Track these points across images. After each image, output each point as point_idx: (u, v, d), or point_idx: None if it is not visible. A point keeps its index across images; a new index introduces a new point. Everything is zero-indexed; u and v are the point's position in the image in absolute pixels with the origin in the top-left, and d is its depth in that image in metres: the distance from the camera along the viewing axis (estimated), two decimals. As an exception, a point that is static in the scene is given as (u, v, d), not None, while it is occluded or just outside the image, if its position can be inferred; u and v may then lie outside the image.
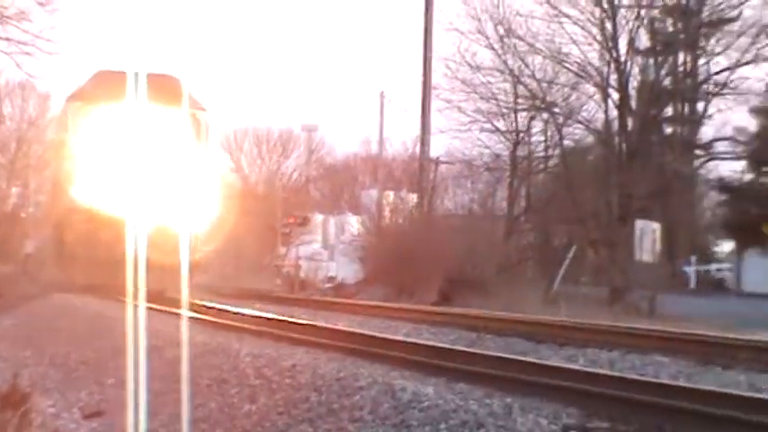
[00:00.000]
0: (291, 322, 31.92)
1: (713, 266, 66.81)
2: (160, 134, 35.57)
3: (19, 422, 21.49)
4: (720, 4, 69.48)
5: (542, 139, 70.89)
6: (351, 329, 30.48)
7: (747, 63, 69.29)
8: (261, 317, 34.30)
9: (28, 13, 44.17)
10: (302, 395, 20.60)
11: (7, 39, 44.17)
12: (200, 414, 19.95)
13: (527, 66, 66.78)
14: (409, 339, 27.97)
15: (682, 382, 21.17)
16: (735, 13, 69.07)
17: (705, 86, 70.96)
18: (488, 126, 69.14)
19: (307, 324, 31.12)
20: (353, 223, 69.88)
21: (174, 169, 35.29)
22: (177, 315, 27.43)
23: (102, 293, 33.92)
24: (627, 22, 66.51)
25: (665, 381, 21.55)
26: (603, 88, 66.43)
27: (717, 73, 70.70)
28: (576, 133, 68.80)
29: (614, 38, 66.16)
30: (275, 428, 19.33)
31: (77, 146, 38.41)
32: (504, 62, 66.46)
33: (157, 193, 32.14)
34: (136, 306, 20.07)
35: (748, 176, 70.75)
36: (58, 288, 40.85)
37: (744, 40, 68.65)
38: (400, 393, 18.26)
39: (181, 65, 37.93)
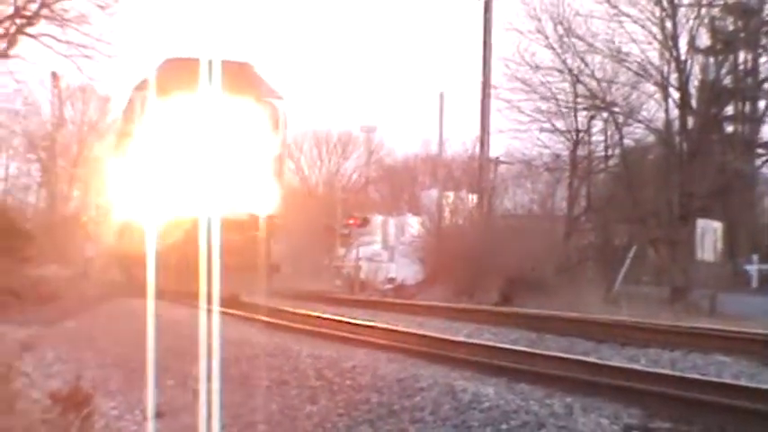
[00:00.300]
0: (352, 323, 31.54)
1: None
2: (236, 127, 35.35)
3: (81, 424, 21.33)
4: None
5: (602, 138, 70.38)
6: (411, 330, 30.06)
7: None
8: (321, 317, 33.49)
9: (88, 17, 43.22)
10: (363, 396, 20.37)
11: (68, 42, 43.14)
12: (262, 416, 19.47)
13: (587, 65, 66.81)
14: (470, 340, 27.89)
15: (744, 382, 21.29)
16: None
17: (766, 85, 70.33)
18: (548, 126, 69.06)
19: (367, 325, 30.81)
20: (413, 224, 70.16)
21: (251, 166, 34.93)
22: (252, 320, 27.43)
23: (173, 298, 32.78)
24: (687, 21, 66.23)
25: (728, 380, 21.63)
26: (664, 87, 66.30)
27: None
28: (636, 133, 68.39)
29: (674, 37, 65.91)
30: (336, 429, 19.02)
31: (145, 140, 36.24)
32: (564, 62, 66.61)
33: (233, 192, 33.34)
34: (209, 311, 20.44)
35: None
36: (121, 293, 39.07)
37: None
38: (461, 394, 18.28)
39: (252, 52, 41.92)
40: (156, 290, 29.05)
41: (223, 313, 25.01)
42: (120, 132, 43.82)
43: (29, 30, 42.51)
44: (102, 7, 43.59)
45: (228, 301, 26.46)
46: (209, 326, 19.07)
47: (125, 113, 44.24)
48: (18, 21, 41.20)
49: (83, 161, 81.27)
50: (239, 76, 34.46)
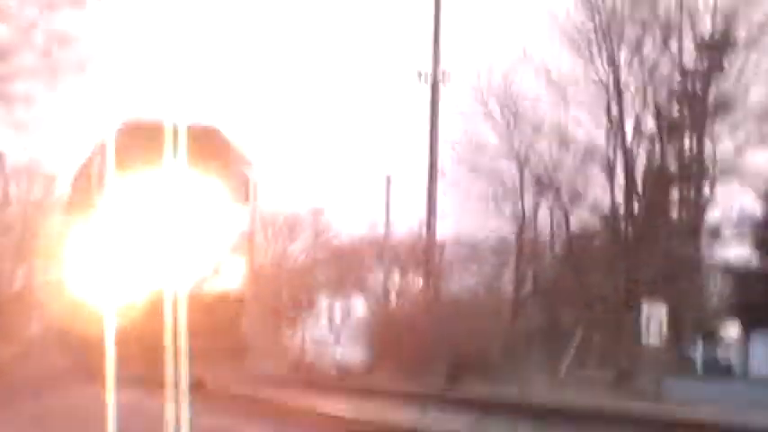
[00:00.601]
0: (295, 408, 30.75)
1: (719, 351, 65.57)
2: (202, 198, 32.92)
3: None
4: (726, 88, 70.23)
5: (548, 222, 70.73)
6: (353, 416, 29.52)
7: (753, 147, 69.90)
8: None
9: (34, 97, 41.20)
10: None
11: (14, 122, 41.55)
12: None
13: (533, 149, 67.89)
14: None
15: None
16: (740, 97, 69.97)
17: (711, 171, 70.65)
18: (494, 209, 69.64)
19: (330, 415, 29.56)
20: (359, 306, 70.67)
21: (219, 241, 33.29)
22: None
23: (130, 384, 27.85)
24: (633, 107, 67.83)
25: None
26: (610, 171, 67.44)
27: (723, 157, 70.61)
28: (582, 216, 69.30)
29: (620, 122, 67.18)
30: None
31: (102, 210, 32.92)
32: (511, 145, 67.49)
33: (199, 269, 31.28)
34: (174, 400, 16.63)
35: (754, 261, 71.03)
36: (67, 375, 37.97)
37: (749, 124, 70.05)
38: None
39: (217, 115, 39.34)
40: (114, 375, 31.81)
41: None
42: (73, 202, 42.09)
43: None
44: (49, 88, 41.37)
45: (194, 388, 20.18)
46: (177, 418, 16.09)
47: (78, 181, 42.28)
48: None
49: (28, 239, 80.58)
50: (205, 141, 33.21)
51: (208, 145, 32.58)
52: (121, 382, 30.15)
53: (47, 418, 30.55)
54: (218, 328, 29.96)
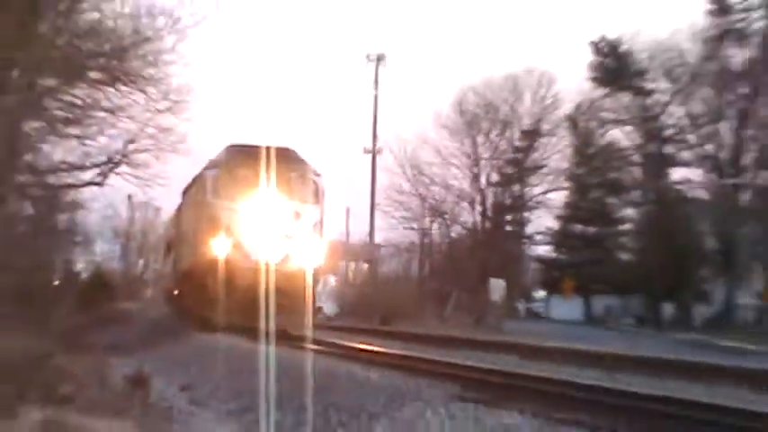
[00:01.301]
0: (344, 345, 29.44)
1: (533, 305, 74.39)
2: (290, 198, 32.25)
3: (142, 392, 19.86)
4: (536, 157, 76.82)
5: (439, 233, 77.85)
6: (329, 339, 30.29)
7: (553, 190, 76.85)
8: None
9: (150, 162, 37.61)
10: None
11: (137, 177, 37.74)
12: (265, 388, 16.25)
13: (429, 191, 74.79)
14: (362, 346, 29.02)
15: (511, 369, 22.88)
16: (545, 161, 76.49)
17: (528, 203, 78.28)
18: (408, 226, 76.43)
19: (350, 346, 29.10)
20: (333, 281, 71.62)
21: (301, 229, 31.92)
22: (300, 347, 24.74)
23: (235, 332, 29.20)
24: (486, 168, 75.55)
25: (497, 367, 23.22)
26: (472, 204, 75.45)
27: (535, 196, 78.09)
28: (457, 230, 76.90)
29: (478, 176, 75.23)
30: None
31: (216, 208, 32.25)
32: (416, 189, 74.33)
33: (285, 247, 31.08)
34: (267, 341, 19.20)
35: (553, 254, 77.55)
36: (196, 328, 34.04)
37: (550, 178, 76.66)
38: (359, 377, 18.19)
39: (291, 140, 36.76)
40: (222, 325, 30.42)
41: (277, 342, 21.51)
42: (193, 204, 37.39)
43: (115, 170, 36.75)
44: (157, 158, 37.86)
45: (280, 334, 23.38)
46: (267, 350, 18.44)
47: (189, 190, 38.92)
48: (109, 165, 36.26)
49: (144, 243, 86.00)
50: (289, 158, 32.56)
51: (288, 161, 32.38)
52: (228, 329, 27.53)
53: (173, 351, 30.85)
54: (298, 292, 27.84)
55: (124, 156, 33.44)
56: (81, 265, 66.63)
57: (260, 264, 27.85)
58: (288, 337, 26.53)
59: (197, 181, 36.65)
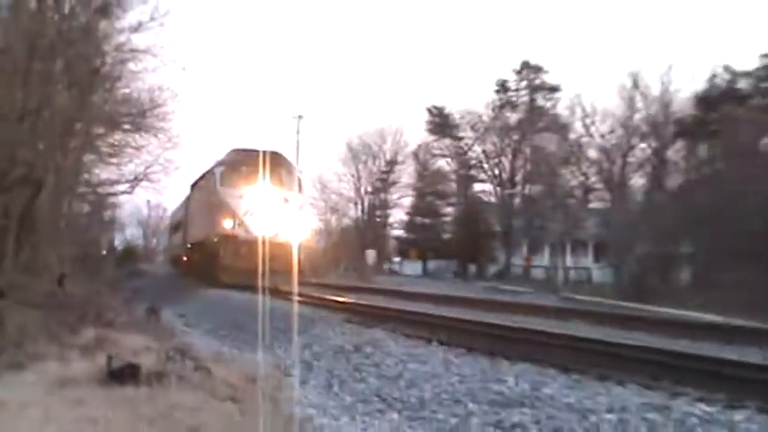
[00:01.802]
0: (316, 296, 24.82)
1: (392, 265, 70.73)
2: (282, 187, 29.39)
3: (155, 318, 19.19)
4: (394, 175, 74.01)
5: (335, 223, 70.92)
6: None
7: (404, 197, 74.42)
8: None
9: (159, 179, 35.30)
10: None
11: (153, 188, 35.75)
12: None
13: (330, 198, 70.68)
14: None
15: (378, 303, 22.93)
16: (399, 179, 74.80)
17: (390, 205, 75.35)
18: (318, 218, 67.58)
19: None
20: None
21: (290, 211, 28.82)
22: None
23: (232, 287, 26.44)
24: (364, 183, 72.51)
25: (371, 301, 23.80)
26: (356, 205, 72.53)
27: (393, 200, 75.23)
28: (346, 222, 72.25)
29: (359, 188, 72.14)
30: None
31: (224, 195, 29.65)
32: (324, 201, 69.57)
33: (278, 224, 27.64)
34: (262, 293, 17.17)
35: (404, 235, 74.59)
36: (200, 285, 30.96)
37: (402, 189, 74.38)
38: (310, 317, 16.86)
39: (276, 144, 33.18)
40: (226, 282, 27.81)
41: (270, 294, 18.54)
42: (205, 193, 33.75)
43: (139, 185, 35.25)
44: (164, 177, 35.38)
45: (272, 290, 20.79)
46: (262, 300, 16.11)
47: (206, 182, 33.92)
48: (135, 182, 34.77)
49: (157, 229, 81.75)
50: (278, 158, 29.85)
51: (278, 160, 29.80)
52: (228, 285, 24.21)
53: (175, 295, 29.21)
54: (287, 259, 24.50)
55: (144, 176, 33.64)
56: (118, 242, 66.76)
57: (258, 237, 26.28)
58: (267, 290, 21.87)
59: (206, 175, 33.83)
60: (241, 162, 29.87)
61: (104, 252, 50.49)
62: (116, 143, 31.40)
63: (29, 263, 18.71)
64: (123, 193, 37.03)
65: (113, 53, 24.45)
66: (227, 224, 29.17)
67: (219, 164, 31.50)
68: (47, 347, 10.66)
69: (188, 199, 41.56)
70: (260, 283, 18.77)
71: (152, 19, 23.31)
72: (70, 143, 23.61)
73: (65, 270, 21.27)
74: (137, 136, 31.10)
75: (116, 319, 15.92)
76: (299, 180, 31.23)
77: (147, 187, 35.98)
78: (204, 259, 32.49)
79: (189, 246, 39.00)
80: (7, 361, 9.74)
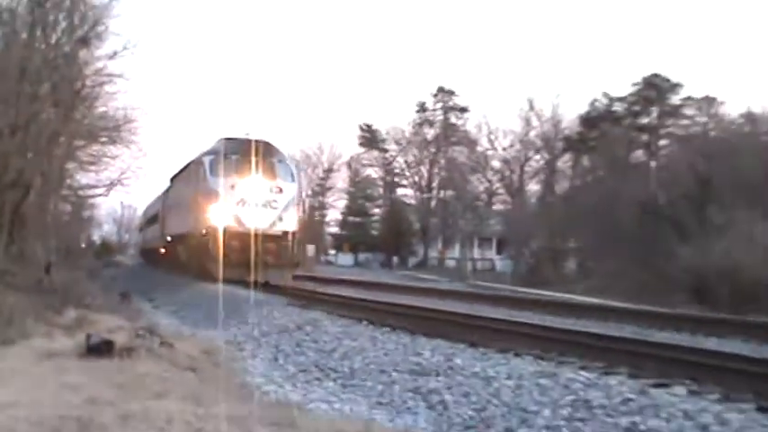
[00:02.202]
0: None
1: (329, 257, 68.83)
2: (276, 177, 23.90)
3: (127, 301, 18.88)
4: (331, 181, 72.54)
5: None
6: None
7: (339, 199, 73.20)
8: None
9: (131, 184, 35.40)
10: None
11: (125, 192, 36.50)
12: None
13: None
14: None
15: (315, 288, 22.30)
16: (335, 185, 72.63)
17: (327, 206, 73.74)
18: None
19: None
20: None
21: (282, 199, 23.57)
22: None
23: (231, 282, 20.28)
24: (306, 188, 66.32)
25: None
26: (298, 206, 72.91)
27: (329, 202, 74.13)
28: None
29: (301, 192, 73.78)
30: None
31: (214, 184, 23.69)
32: None
33: (272, 215, 23.02)
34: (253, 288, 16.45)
35: (339, 231, 73.01)
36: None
37: (338, 193, 72.95)
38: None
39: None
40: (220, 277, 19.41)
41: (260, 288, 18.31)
42: (192, 183, 27.05)
43: (113, 188, 32.70)
44: (135, 182, 36.54)
45: (264, 284, 19.56)
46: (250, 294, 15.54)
47: (194, 172, 27.02)
48: (110, 186, 32.20)
49: (129, 226, 78.16)
50: (271, 148, 24.70)
51: (271, 150, 24.69)
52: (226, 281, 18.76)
53: (144, 283, 28.26)
54: (282, 252, 22.63)
55: (118, 181, 32.37)
56: (95, 237, 65.91)
57: (251, 229, 21.37)
58: (260, 285, 19.50)
59: (192, 165, 27.84)
60: (231, 151, 24.25)
61: (84, 245, 49.64)
62: (94, 153, 30.85)
63: (19, 254, 18.57)
64: (100, 195, 36.22)
65: (92, 77, 24.64)
66: (217, 215, 23.15)
67: (208, 153, 25.55)
68: (34, 326, 10.76)
69: (167, 192, 36.20)
70: (253, 278, 18.37)
71: (125, 48, 23.54)
72: (55, 153, 23.33)
73: (50, 260, 21.01)
74: (112, 147, 30.42)
75: (94, 302, 15.79)
76: (293, 170, 26.06)
77: (121, 190, 34.97)
78: (189, 252, 26.81)
79: (168, 238, 33.01)
80: (0, 337, 9.84)
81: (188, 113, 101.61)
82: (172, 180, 34.81)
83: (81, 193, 36.00)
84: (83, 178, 33.45)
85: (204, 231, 23.61)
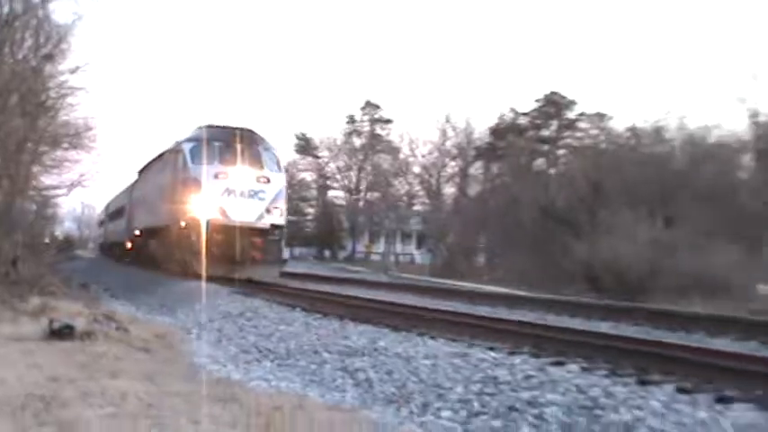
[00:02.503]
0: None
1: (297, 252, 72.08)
2: (260, 166, 19.77)
3: (87, 291, 18.51)
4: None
5: None
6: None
7: None
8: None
9: (90, 185, 35.36)
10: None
11: (84, 192, 38.17)
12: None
13: None
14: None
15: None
16: None
17: None
18: None
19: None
20: None
21: (270, 190, 19.63)
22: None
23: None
24: None
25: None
26: None
27: None
28: None
29: None
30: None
31: (196, 173, 19.67)
32: None
33: (257, 207, 19.25)
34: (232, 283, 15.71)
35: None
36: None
37: None
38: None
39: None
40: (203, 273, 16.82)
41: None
42: (172, 171, 21.92)
43: (74, 189, 31.42)
44: (93, 183, 37.61)
45: (245, 281, 17.72)
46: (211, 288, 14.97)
47: (173, 160, 22.03)
48: (72, 187, 30.84)
49: (88, 223, 77.11)
50: (255, 135, 20.74)
51: (255, 137, 20.66)
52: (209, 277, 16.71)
53: (103, 274, 27.17)
54: (268, 247, 19.39)
55: (79, 182, 31.50)
56: (58, 233, 64.96)
57: (236, 221, 18.42)
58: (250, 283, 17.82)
59: (167, 155, 23.31)
60: (214, 137, 20.06)
61: (47, 240, 48.87)
62: (57, 158, 30.40)
63: None
64: (62, 195, 35.57)
65: (56, 89, 24.53)
66: (200, 206, 18.97)
67: (188, 140, 21.00)
68: (2, 312, 10.71)
69: (134, 185, 32.16)
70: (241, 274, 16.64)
71: (86, 64, 23.41)
72: (22, 158, 23.09)
73: (17, 254, 20.75)
74: (73, 152, 30.04)
75: (56, 291, 15.68)
76: (279, 159, 21.63)
77: (81, 191, 34.58)
78: (165, 246, 22.16)
79: (137, 232, 28.77)
80: None
81: (140, 121, 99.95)
82: (140, 173, 30.96)
83: (45, 193, 35.20)
84: (46, 180, 32.93)
85: (184, 224, 19.48)
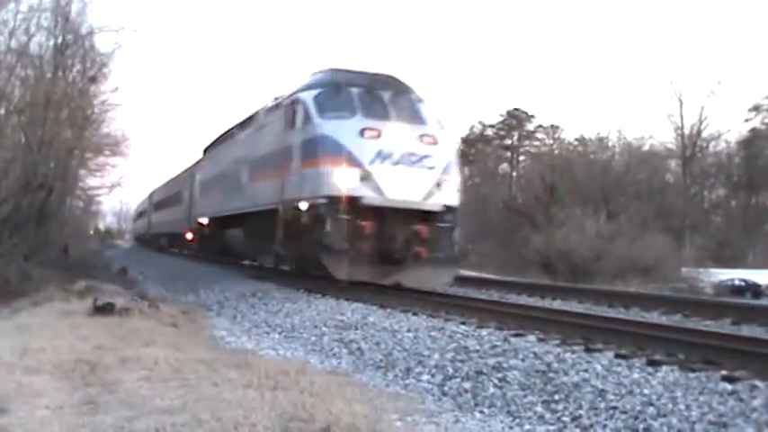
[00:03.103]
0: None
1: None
2: (417, 121, 11.40)
3: (125, 274, 17.53)
4: None
5: None
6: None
7: None
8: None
9: (129, 185, 35.66)
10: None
11: (124, 191, 35.39)
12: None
13: None
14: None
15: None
16: None
17: None
18: None
19: None
20: None
21: (439, 156, 11.16)
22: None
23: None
24: None
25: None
26: None
27: None
28: None
29: None
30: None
31: (328, 130, 10.76)
32: None
33: (425, 180, 11.02)
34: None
35: None
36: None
37: None
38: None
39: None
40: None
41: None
42: (275, 133, 13.15)
43: (114, 189, 29.92)
44: (131, 183, 37.41)
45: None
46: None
47: (274, 118, 13.59)
48: (113, 187, 29.55)
49: (126, 218, 73.46)
50: (404, 84, 12.52)
51: (406, 86, 12.28)
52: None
53: (140, 259, 25.75)
54: (440, 238, 11.09)
55: (118, 183, 31.51)
56: (101, 226, 65.45)
57: (394, 201, 10.82)
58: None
59: (269, 114, 14.37)
60: (350, 82, 11.91)
61: (92, 232, 49.83)
62: (99, 163, 30.59)
63: (44, 239, 18.46)
64: (104, 194, 35.52)
65: (99, 105, 25.14)
66: (337, 179, 10.77)
67: (309, 87, 12.49)
68: (55, 292, 10.84)
69: (196, 167, 24.13)
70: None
71: (123, 85, 24.98)
72: (71, 163, 23.56)
73: (67, 244, 21.37)
74: (113, 158, 30.32)
75: (99, 275, 15.52)
76: (439, 116, 12.17)
77: (119, 190, 34.43)
78: (268, 237, 13.24)
79: (204, 221, 20.69)
80: (31, 300, 10.40)
81: (166, 131, 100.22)
82: (207, 151, 22.43)
83: (89, 192, 35.27)
84: (91, 181, 33.18)
85: (306, 206, 11.31)
